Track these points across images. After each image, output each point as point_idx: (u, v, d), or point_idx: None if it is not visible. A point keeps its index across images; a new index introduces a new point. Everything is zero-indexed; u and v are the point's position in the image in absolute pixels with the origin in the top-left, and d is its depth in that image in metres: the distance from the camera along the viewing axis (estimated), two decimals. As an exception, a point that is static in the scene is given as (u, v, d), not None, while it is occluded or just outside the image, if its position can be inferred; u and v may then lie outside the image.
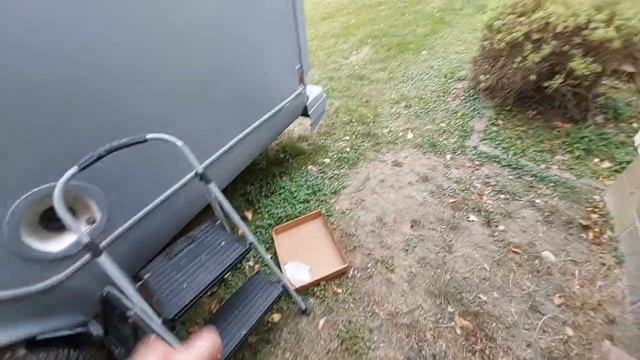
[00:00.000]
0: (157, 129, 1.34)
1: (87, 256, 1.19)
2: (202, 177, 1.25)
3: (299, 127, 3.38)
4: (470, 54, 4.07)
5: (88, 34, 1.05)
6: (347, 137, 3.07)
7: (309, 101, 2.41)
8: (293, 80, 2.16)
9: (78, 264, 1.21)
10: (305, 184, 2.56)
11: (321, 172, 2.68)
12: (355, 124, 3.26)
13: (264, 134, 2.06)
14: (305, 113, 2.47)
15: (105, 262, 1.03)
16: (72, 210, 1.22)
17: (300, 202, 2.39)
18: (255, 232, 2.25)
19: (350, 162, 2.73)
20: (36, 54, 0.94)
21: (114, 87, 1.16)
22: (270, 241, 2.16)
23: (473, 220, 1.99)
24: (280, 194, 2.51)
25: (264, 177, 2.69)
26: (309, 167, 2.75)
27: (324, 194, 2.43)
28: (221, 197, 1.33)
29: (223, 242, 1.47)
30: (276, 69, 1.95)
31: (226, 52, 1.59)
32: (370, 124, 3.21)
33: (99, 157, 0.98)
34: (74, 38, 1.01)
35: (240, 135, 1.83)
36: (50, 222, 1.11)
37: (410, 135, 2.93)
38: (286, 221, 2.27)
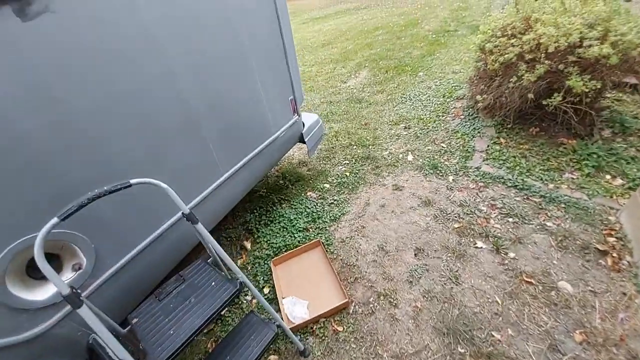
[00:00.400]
0: (147, 168, 1.35)
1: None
2: (189, 218, 1.22)
3: (298, 151, 3.38)
4: (467, 74, 4.10)
5: (71, 79, 1.06)
6: (347, 161, 3.04)
7: (304, 129, 2.41)
8: (287, 110, 2.18)
9: (64, 311, 1.16)
10: (305, 211, 2.51)
11: (321, 199, 2.63)
12: (355, 147, 3.24)
13: (259, 165, 2.04)
14: (302, 140, 2.47)
15: (86, 313, 0.98)
16: (59, 257, 1.19)
17: (299, 231, 2.33)
18: (253, 264, 2.18)
19: (350, 186, 2.68)
20: (17, 101, 0.94)
21: (99, 132, 1.17)
22: (268, 273, 2.09)
23: (481, 247, 1.88)
24: (279, 222, 2.45)
25: (264, 204, 2.66)
26: (309, 193, 2.71)
27: (324, 221, 2.37)
28: (208, 238, 1.29)
29: (214, 283, 1.41)
30: (269, 101, 1.97)
31: (218, 88, 1.61)
32: (370, 147, 3.19)
33: (80, 207, 0.96)
34: (55, 83, 1.02)
35: (235, 168, 1.81)
36: (36, 271, 1.08)
37: (410, 157, 2.89)
38: (285, 251, 2.20)
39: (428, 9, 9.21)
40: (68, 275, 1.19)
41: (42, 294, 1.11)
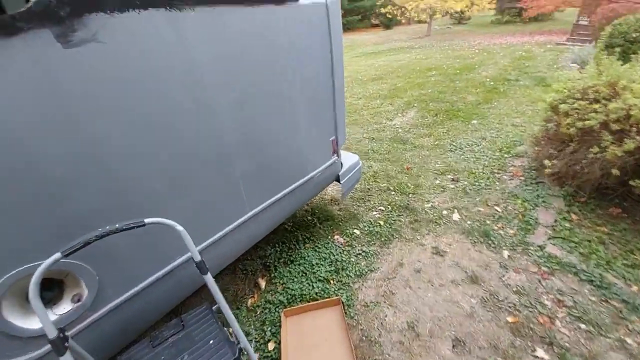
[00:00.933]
0: (172, 200, 1.26)
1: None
2: (199, 267, 1.10)
3: (332, 187, 3.21)
4: (530, 130, 3.72)
5: (105, 110, 1.00)
6: (382, 208, 2.79)
7: (342, 170, 2.25)
8: (326, 150, 2.04)
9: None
10: (329, 257, 2.28)
11: (348, 246, 2.39)
12: (393, 193, 2.99)
13: (289, 204, 1.90)
14: (338, 180, 2.30)
15: None
16: (62, 282, 1.10)
17: (319, 280, 2.09)
18: (264, 308, 1.97)
19: (383, 238, 2.41)
20: (41, 127, 0.89)
21: (126, 164, 1.09)
22: (278, 323, 1.86)
23: (542, 359, 1.49)
24: (299, 265, 2.24)
25: (287, 240, 2.48)
26: (336, 237, 2.49)
27: (348, 275, 2.11)
28: (216, 290, 1.15)
29: (212, 341, 1.23)
30: (308, 141, 1.86)
31: (256, 126, 1.52)
32: (410, 196, 2.92)
33: (87, 244, 0.88)
34: (87, 113, 0.96)
35: (263, 205, 1.68)
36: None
37: (456, 216, 2.56)
38: (300, 301, 1.97)
39: (487, 54, 8.95)
40: (66, 307, 1.10)
41: (37, 322, 1.01)
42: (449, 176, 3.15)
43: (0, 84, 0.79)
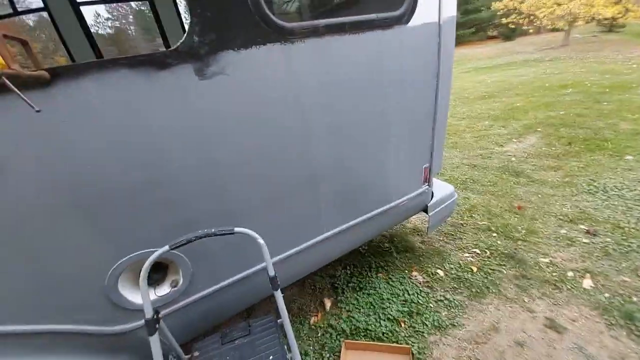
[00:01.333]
0: (258, 213, 1.36)
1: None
2: (272, 282, 1.16)
3: (417, 215, 2.92)
4: None
5: (221, 131, 1.14)
6: (477, 251, 2.34)
7: (432, 201, 1.99)
8: (416, 178, 1.85)
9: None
10: (403, 295, 2.04)
11: (428, 287, 2.09)
12: (495, 235, 2.48)
13: (367, 229, 1.79)
14: (426, 211, 2.05)
15: (154, 342, 1.05)
16: (167, 268, 1.31)
17: (388, 319, 1.88)
18: (325, 332, 1.90)
19: (474, 289, 2.00)
20: (176, 142, 1.08)
21: (228, 178, 1.23)
22: (337, 352, 1.75)
23: None
24: (369, 294, 2.09)
25: (359, 264, 2.36)
26: (414, 273, 2.22)
27: (423, 322, 1.83)
28: (283, 309, 1.20)
29: (271, 357, 1.23)
30: (398, 167, 1.71)
31: (346, 150, 1.50)
32: (518, 242, 2.36)
33: (189, 241, 1.05)
34: (208, 134, 1.12)
35: (339, 229, 1.63)
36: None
37: (588, 283, 1.91)
38: (364, 336, 1.81)
39: (660, 69, 6.74)
40: (165, 290, 1.29)
41: (139, 299, 1.22)
42: (582, 226, 2.41)
43: (152, 107, 1.00)
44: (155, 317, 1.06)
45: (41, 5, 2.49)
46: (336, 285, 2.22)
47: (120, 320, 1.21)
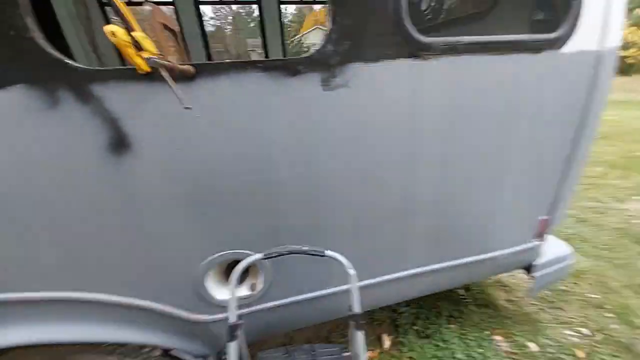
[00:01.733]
0: (345, 235, 1.28)
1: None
2: (354, 319, 1.04)
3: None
4: None
5: (329, 145, 1.08)
6: (585, 331, 1.87)
7: (540, 260, 1.64)
8: (526, 231, 1.54)
9: (222, 316, 1.25)
10: (479, 358, 1.72)
11: (512, 359, 1.73)
12: (610, 316, 1.96)
13: (452, 276, 1.56)
14: (527, 269, 1.71)
15: (232, 349, 1.03)
16: (247, 270, 1.30)
17: (459, 385, 1.60)
18: (380, 373, 1.71)
19: (579, 381, 1.59)
20: (288, 151, 1.05)
21: (322, 192, 1.16)
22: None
23: None
24: (435, 345, 1.82)
25: (426, 307, 2.10)
26: (496, 337, 1.86)
27: (506, 404, 1.50)
28: (360, 346, 1.08)
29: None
30: (506, 214, 1.45)
31: (451, 185, 1.31)
32: (646, 335, 1.82)
33: (280, 255, 1.02)
34: (316, 146, 1.07)
35: (425, 269, 1.44)
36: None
37: None
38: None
39: None
40: (244, 291, 1.28)
41: (221, 295, 1.23)
42: None
43: (274, 112, 0.98)
44: (237, 323, 1.04)
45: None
46: (397, 323, 2.00)
47: (201, 310, 1.23)
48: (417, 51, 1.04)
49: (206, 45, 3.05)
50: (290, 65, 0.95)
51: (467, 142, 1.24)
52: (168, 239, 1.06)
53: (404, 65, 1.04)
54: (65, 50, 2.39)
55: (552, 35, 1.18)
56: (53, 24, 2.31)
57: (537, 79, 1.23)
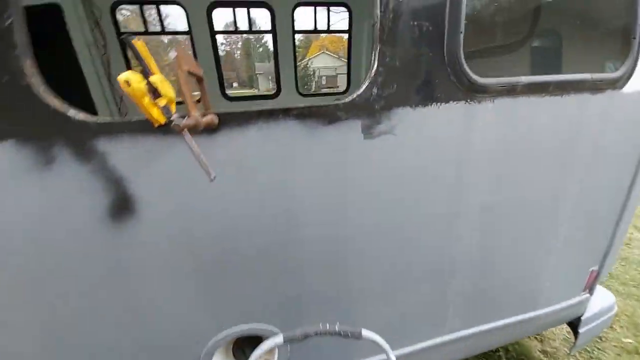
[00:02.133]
0: (379, 300, 1.10)
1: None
2: None
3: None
4: None
5: (365, 196, 0.93)
6: (632, 387, 1.68)
7: (587, 314, 1.47)
8: (577, 283, 1.38)
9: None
10: None
11: None
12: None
13: (497, 338, 1.38)
14: (572, 324, 1.53)
15: None
16: (259, 340, 1.12)
17: None
18: None
19: None
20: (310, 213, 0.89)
21: (350, 254, 1.01)
22: None
23: None
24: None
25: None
26: (535, 396, 1.66)
27: None
28: None
29: None
30: (555, 268, 1.29)
31: (492, 239, 1.15)
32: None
33: (306, 337, 0.83)
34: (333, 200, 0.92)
35: (466, 332, 1.26)
36: (237, 351, 1.04)
37: None
38: None
39: None
40: None
41: None
42: None
43: (302, 169, 0.83)
44: None
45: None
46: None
47: None
48: (471, 93, 0.90)
49: (220, 75, 2.83)
50: (328, 111, 0.80)
51: (518, 190, 1.10)
52: (173, 317, 0.88)
53: (456, 109, 0.91)
54: (86, 99, 2.01)
55: (614, 74, 1.05)
56: (74, 68, 1.97)
57: (595, 121, 1.10)
